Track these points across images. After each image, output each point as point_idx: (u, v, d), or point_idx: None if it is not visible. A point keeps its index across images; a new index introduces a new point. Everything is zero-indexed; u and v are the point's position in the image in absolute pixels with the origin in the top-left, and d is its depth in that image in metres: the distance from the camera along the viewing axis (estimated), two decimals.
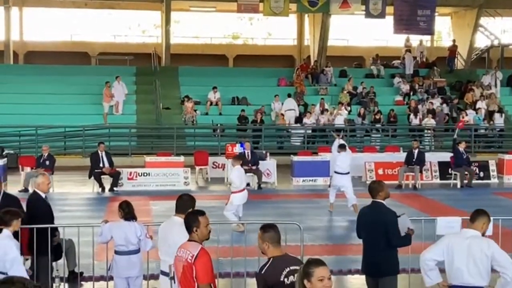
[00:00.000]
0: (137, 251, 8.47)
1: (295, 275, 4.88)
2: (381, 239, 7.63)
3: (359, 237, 8.08)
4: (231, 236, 9.55)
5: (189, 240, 6.10)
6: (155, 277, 9.17)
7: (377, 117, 27.61)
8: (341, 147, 16.00)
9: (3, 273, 7.10)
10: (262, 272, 5.58)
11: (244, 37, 42.52)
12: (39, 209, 8.86)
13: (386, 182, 8.43)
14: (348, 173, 15.70)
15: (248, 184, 19.16)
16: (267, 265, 5.61)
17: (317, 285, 4.55)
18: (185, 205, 7.05)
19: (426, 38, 35.07)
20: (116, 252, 8.44)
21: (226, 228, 11.36)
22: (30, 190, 17.57)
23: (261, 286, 5.60)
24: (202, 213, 6.18)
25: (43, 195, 8.96)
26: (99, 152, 19.03)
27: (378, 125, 27.78)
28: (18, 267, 7.28)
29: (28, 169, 19.08)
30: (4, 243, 7.33)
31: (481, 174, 21.43)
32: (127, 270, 8.38)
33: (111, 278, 8.66)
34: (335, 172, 15.86)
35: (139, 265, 8.52)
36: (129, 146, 25.12)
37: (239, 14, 33.52)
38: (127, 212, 8.35)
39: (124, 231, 8.33)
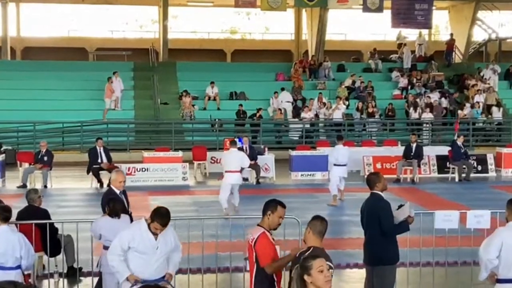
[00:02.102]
0: None
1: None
2: (376, 229, 7.79)
3: (363, 228, 8.17)
4: (230, 231, 9.56)
5: (258, 224, 6.47)
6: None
7: (370, 111, 27.59)
8: (339, 138, 16.49)
9: (13, 268, 7.13)
10: (297, 256, 5.75)
11: (242, 32, 42.50)
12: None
13: (384, 176, 8.45)
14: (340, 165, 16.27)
15: (246, 179, 19.28)
16: (304, 251, 5.77)
17: (317, 277, 4.52)
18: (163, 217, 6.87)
19: (424, 32, 35.05)
20: (105, 247, 8.45)
21: (225, 223, 11.36)
22: (28, 186, 17.63)
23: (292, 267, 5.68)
24: (283, 204, 6.44)
25: (118, 191, 9.04)
26: (97, 147, 19.03)
27: (376, 119, 27.78)
28: (30, 259, 7.33)
29: (26, 165, 19.09)
30: (12, 237, 7.32)
31: (479, 167, 21.46)
32: None
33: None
34: (334, 164, 16.34)
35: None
36: (127, 141, 25.12)
37: (236, 8, 33.46)
38: (111, 210, 8.43)
39: (111, 227, 8.37)
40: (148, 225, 6.89)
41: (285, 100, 27.99)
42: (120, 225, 8.45)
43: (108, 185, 9.38)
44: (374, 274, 7.92)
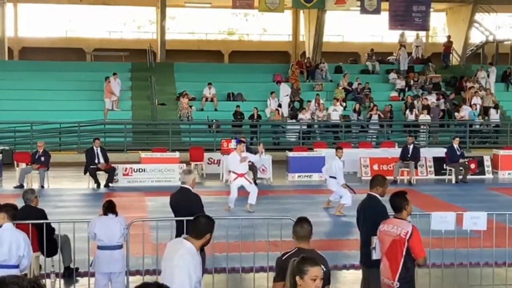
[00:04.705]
0: (119, 247, 8.47)
1: None
2: (371, 231, 7.74)
3: (359, 229, 8.18)
4: (227, 231, 9.56)
5: (395, 217, 7.02)
6: (138, 273, 9.17)
7: (374, 113, 27.59)
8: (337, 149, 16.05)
9: (14, 266, 7.15)
10: (283, 258, 5.77)
11: (240, 33, 42.53)
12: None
13: None
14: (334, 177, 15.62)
15: None
16: (290, 253, 5.79)
17: (308, 284, 4.58)
18: (203, 229, 5.97)
19: (421, 34, 35.11)
20: (98, 247, 8.47)
21: (221, 224, 11.36)
22: (25, 186, 17.61)
23: (278, 270, 5.69)
24: (406, 193, 7.16)
25: (192, 191, 9.04)
26: (94, 148, 19.00)
27: (373, 121, 27.78)
28: (29, 259, 7.35)
29: (23, 165, 19.06)
30: (18, 235, 7.35)
31: (473, 166, 21.44)
32: (108, 265, 8.33)
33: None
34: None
35: (122, 261, 8.49)
36: (124, 142, 25.09)
37: (234, 10, 33.48)
38: (106, 208, 8.52)
39: (105, 226, 8.40)
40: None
41: (284, 94, 28.08)
42: (114, 224, 8.48)
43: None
44: (370, 276, 7.93)
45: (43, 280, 9.15)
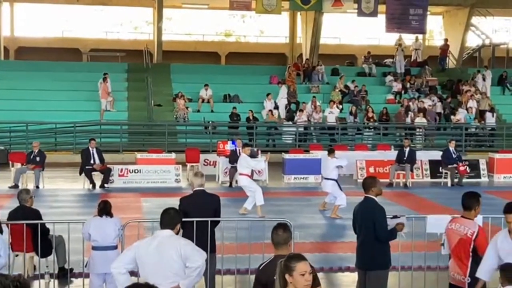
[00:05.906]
0: (114, 247, 8.46)
1: None
2: (370, 234, 7.77)
3: (355, 232, 8.14)
4: (222, 233, 9.54)
5: (463, 217, 7.29)
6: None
7: (370, 115, 27.58)
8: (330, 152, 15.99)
9: None
10: (260, 268, 5.71)
11: (237, 35, 42.54)
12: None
13: None
14: (331, 179, 15.51)
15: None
16: (266, 263, 5.69)
17: (298, 279, 4.58)
18: (175, 220, 6.40)
19: (419, 37, 35.13)
20: (93, 248, 8.46)
21: (217, 226, 11.33)
22: (20, 186, 17.55)
23: (255, 281, 5.65)
24: (480, 196, 7.34)
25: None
26: (90, 148, 18.95)
27: (370, 124, 27.79)
28: (6, 258, 7.34)
29: (18, 165, 19.02)
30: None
31: (469, 169, 21.45)
32: (103, 266, 8.32)
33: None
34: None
35: None
36: (120, 142, 25.07)
37: (231, 11, 33.48)
38: (101, 208, 8.50)
39: (100, 227, 8.38)
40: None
41: (284, 96, 28.16)
42: (109, 225, 8.46)
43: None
44: (366, 279, 7.91)
45: (38, 280, 9.13)
